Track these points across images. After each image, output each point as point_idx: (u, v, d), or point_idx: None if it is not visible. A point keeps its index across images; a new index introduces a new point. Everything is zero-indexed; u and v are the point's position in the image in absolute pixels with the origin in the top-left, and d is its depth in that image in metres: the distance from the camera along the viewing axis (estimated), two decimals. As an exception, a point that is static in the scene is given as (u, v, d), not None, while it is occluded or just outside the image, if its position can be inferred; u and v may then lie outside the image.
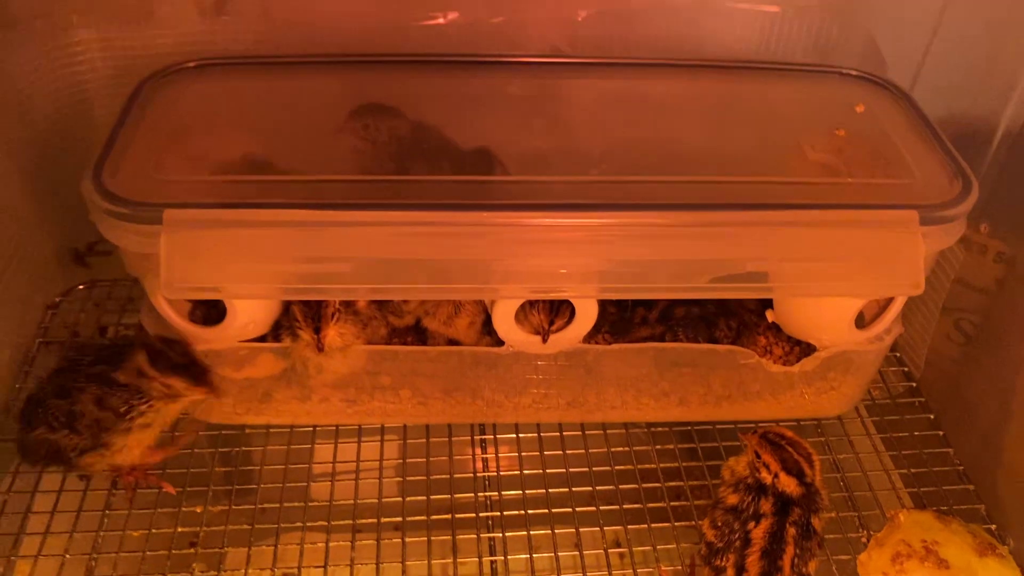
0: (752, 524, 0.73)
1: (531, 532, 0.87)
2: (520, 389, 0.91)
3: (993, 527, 0.89)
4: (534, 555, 0.85)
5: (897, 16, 1.04)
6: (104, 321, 1.08)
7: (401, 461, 0.95)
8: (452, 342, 0.91)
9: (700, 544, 0.78)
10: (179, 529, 0.85)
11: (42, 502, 0.87)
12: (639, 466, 0.92)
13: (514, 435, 0.96)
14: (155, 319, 0.84)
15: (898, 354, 1.06)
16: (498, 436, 0.96)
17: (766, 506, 0.73)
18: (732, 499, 0.75)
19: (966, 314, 1.04)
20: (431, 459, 0.94)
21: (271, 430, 0.95)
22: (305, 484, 0.92)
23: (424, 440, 0.95)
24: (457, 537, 0.87)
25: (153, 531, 0.85)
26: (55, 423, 0.80)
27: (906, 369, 1.05)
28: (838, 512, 0.89)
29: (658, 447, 0.94)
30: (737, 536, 0.74)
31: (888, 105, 0.91)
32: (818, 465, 0.76)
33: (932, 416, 1.00)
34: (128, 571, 0.82)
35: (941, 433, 0.98)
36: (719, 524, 0.75)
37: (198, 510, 0.87)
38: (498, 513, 0.90)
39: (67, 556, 0.82)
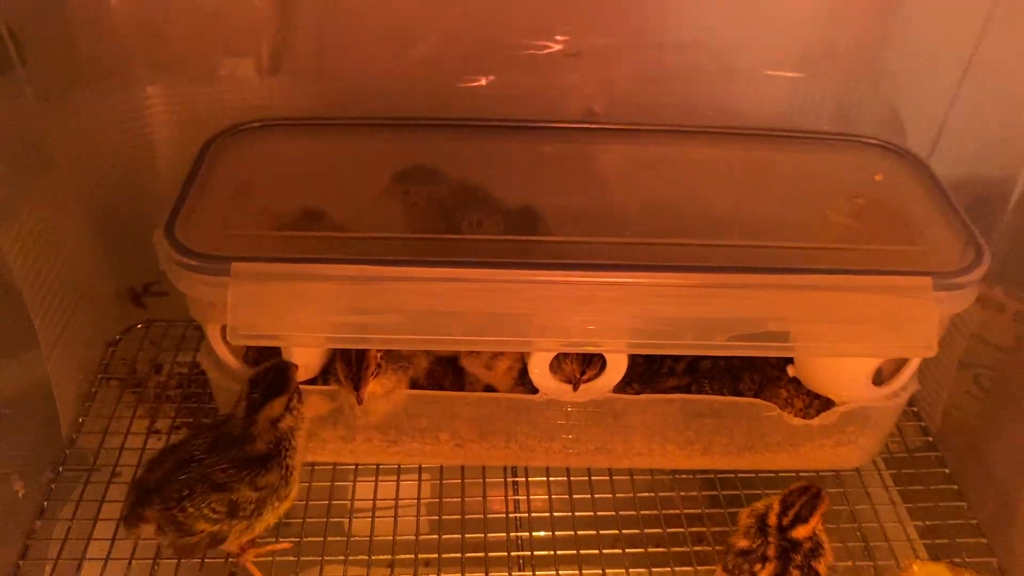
0: (759, 566, 0.78)
1: (559, 572, 0.91)
2: (552, 435, 0.96)
3: (1006, 579, 0.92)
4: None
5: (917, 85, 1.09)
6: (160, 359, 1.14)
7: (437, 500, 0.99)
8: (488, 387, 0.97)
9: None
10: (230, 559, 0.91)
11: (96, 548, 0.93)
12: (663, 511, 0.97)
13: (545, 478, 1.01)
14: (213, 361, 0.90)
15: (915, 409, 1.10)
16: (529, 479, 1.01)
17: (772, 550, 0.78)
18: (743, 543, 0.80)
19: (985, 370, 1.08)
20: (466, 499, 0.98)
21: (316, 467, 1.00)
22: (347, 519, 0.97)
23: (459, 480, 1.00)
24: (490, 574, 0.92)
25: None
26: (214, 515, 0.79)
27: (923, 424, 1.09)
28: (854, 561, 0.92)
29: (682, 493, 0.99)
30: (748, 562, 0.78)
31: (906, 173, 0.96)
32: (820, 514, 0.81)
33: (947, 471, 1.03)
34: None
35: (956, 487, 1.01)
36: (730, 567, 0.80)
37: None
38: (528, 553, 0.94)
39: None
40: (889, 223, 0.90)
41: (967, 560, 0.93)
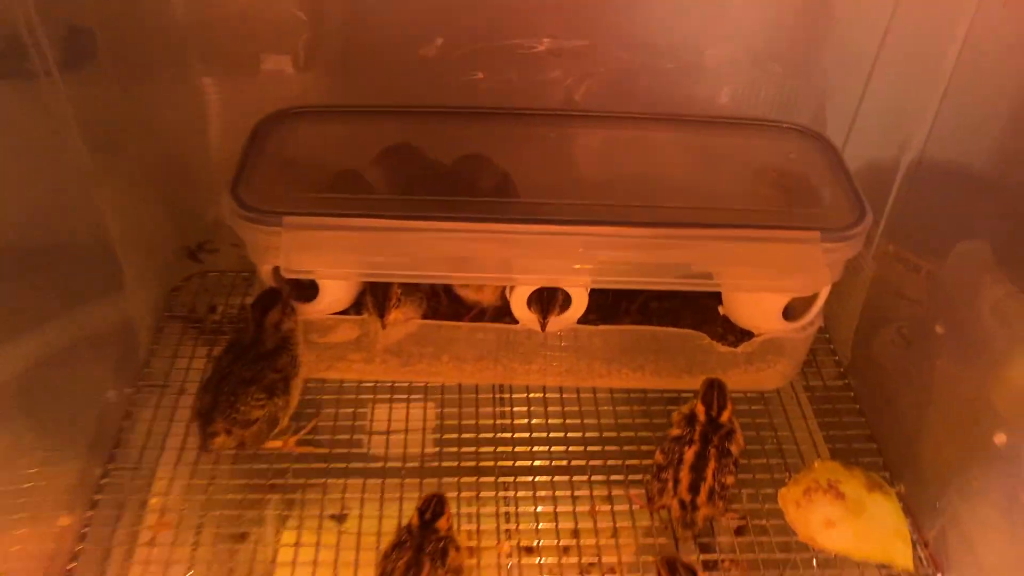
0: (686, 448, 1.03)
1: (536, 478, 1.14)
2: (530, 359, 1.21)
3: (887, 475, 1.16)
4: (537, 491, 1.13)
5: (839, 79, 1.31)
6: (214, 302, 1.39)
7: (439, 423, 1.22)
8: (478, 305, 1.21)
9: (653, 465, 1.07)
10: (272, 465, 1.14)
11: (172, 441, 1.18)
12: (619, 421, 1.21)
13: (525, 395, 1.25)
14: (264, 296, 1.15)
15: (832, 346, 1.34)
16: (514, 396, 1.25)
17: (696, 435, 1.03)
18: (675, 432, 1.05)
19: (905, 323, 1.31)
20: (462, 421, 1.22)
21: (341, 397, 1.24)
22: (366, 439, 1.20)
23: (457, 407, 1.23)
24: (480, 480, 1.15)
25: (254, 466, 1.13)
26: (259, 401, 1.04)
27: (837, 358, 1.33)
28: (769, 460, 1.17)
29: (635, 408, 1.23)
30: (676, 456, 1.03)
31: (815, 151, 1.20)
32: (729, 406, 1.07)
33: (852, 394, 1.28)
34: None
35: (858, 407, 1.26)
36: (666, 450, 1.05)
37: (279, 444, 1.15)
38: (511, 463, 1.17)
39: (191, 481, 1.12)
40: (796, 191, 1.14)
41: (859, 460, 1.17)
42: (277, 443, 1.13)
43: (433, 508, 0.96)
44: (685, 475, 1.02)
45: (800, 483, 1.11)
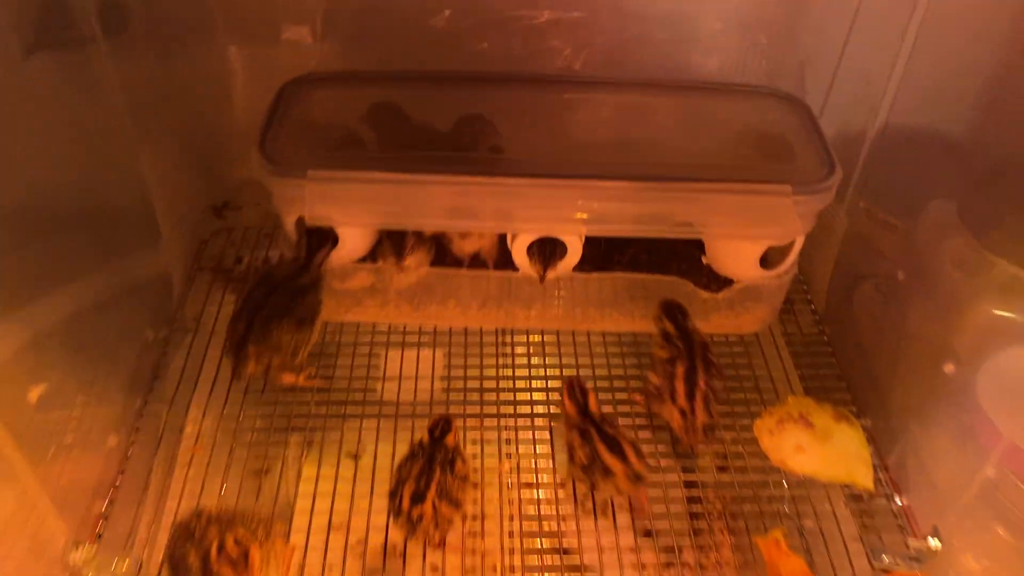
0: (678, 364, 1.15)
1: (535, 421, 1.25)
2: (529, 304, 1.32)
3: (855, 410, 1.27)
4: (536, 432, 1.24)
5: (818, 49, 1.41)
6: (239, 255, 1.51)
7: (447, 370, 1.33)
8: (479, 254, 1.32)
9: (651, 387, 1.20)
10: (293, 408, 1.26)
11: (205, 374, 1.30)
12: (611, 360, 1.33)
13: (525, 339, 1.37)
14: (287, 244, 1.26)
15: (809, 296, 1.45)
16: (515, 340, 1.37)
17: (682, 350, 1.16)
18: (662, 354, 1.18)
19: (882, 279, 1.41)
20: (467, 368, 1.33)
21: (357, 345, 1.35)
22: (380, 384, 1.30)
23: (463, 351, 1.34)
24: (484, 423, 1.25)
25: (276, 409, 1.25)
26: (289, 330, 1.15)
27: (813, 307, 1.44)
28: (747, 395, 1.28)
29: (625, 349, 1.34)
30: (669, 373, 1.16)
31: (791, 115, 1.30)
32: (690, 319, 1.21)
33: (826, 340, 1.39)
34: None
35: (831, 349, 1.37)
36: (658, 370, 1.17)
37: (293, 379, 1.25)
38: (512, 408, 1.27)
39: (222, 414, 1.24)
40: (773, 150, 1.24)
41: (830, 396, 1.28)
42: (291, 378, 1.24)
43: (442, 427, 1.08)
44: (680, 387, 1.14)
45: (774, 415, 1.22)
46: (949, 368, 1.09)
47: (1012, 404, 1.03)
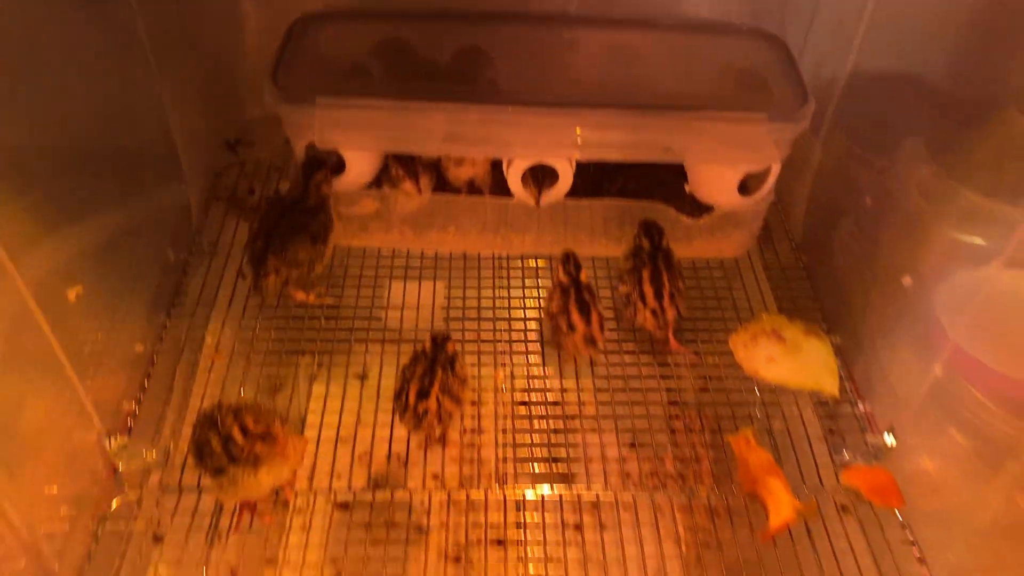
0: (643, 270, 1.26)
1: (528, 349, 1.34)
2: (524, 230, 1.42)
3: (825, 327, 1.36)
4: (530, 355, 1.33)
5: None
6: (252, 186, 1.60)
7: (447, 300, 1.41)
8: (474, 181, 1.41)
9: (622, 296, 1.31)
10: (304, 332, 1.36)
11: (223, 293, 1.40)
12: (599, 284, 1.42)
13: (520, 269, 1.46)
14: (298, 171, 1.35)
15: (786, 226, 1.54)
16: (510, 271, 1.46)
17: (645, 258, 1.26)
18: (628, 265, 1.29)
19: (856, 212, 1.48)
20: (466, 298, 1.41)
21: (362, 275, 1.44)
22: (384, 313, 1.39)
23: (462, 283, 1.42)
24: (481, 348, 1.34)
25: (287, 333, 1.34)
26: (305, 245, 1.25)
27: (790, 236, 1.53)
28: (724, 314, 1.38)
29: (613, 273, 1.43)
30: (636, 279, 1.27)
31: (770, 52, 1.38)
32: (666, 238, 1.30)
33: (802, 265, 1.48)
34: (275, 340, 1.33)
35: (806, 273, 1.46)
36: (626, 280, 1.28)
37: (311, 299, 1.36)
38: (507, 337, 1.36)
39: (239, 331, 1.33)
40: (752, 82, 1.33)
41: (803, 316, 1.37)
42: (304, 295, 1.34)
43: (442, 335, 1.18)
44: (648, 289, 1.24)
45: (748, 330, 1.32)
46: (907, 281, 1.18)
47: (965, 316, 1.13)
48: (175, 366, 1.29)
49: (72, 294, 1.04)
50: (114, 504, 1.10)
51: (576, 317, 1.22)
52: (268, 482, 0.98)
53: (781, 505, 1.08)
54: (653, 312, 1.24)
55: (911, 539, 1.12)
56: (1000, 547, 1.03)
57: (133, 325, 1.25)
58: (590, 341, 1.22)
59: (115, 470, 1.12)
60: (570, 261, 1.27)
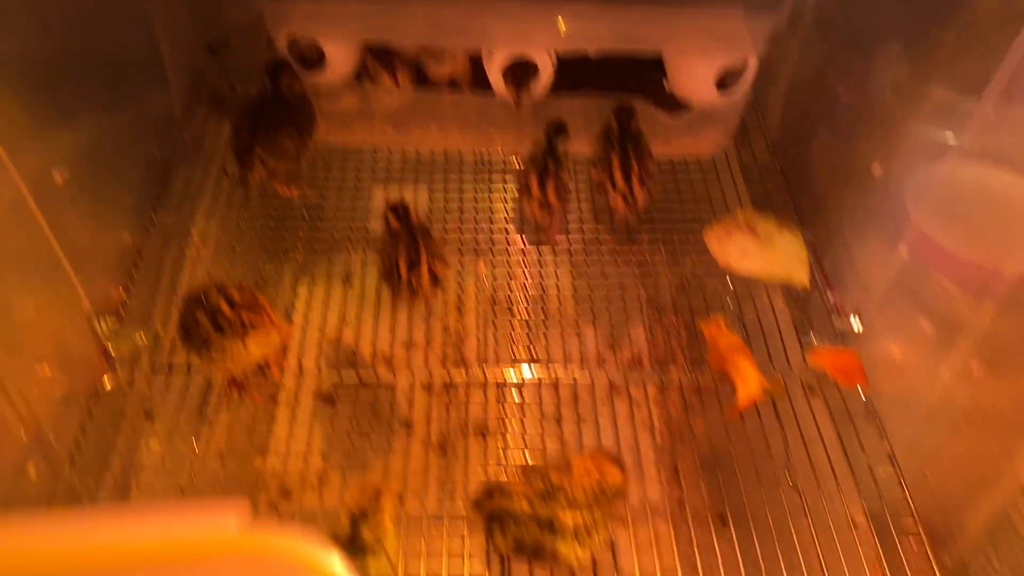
0: (612, 155, 1.29)
1: (509, 248, 1.37)
2: (504, 127, 1.44)
3: (797, 221, 1.40)
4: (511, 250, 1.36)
5: None
6: (232, 85, 1.60)
7: (429, 205, 1.43)
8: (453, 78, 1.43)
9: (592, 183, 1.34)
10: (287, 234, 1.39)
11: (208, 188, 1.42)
12: (579, 185, 1.45)
13: (502, 174, 1.48)
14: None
15: (764, 131, 1.57)
16: (491, 175, 1.48)
17: (614, 144, 1.30)
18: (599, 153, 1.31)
19: (835, 115, 1.50)
20: (447, 203, 1.44)
21: (344, 184, 1.45)
22: (367, 221, 1.41)
23: (443, 188, 1.45)
24: (464, 259, 1.36)
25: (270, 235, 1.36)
26: (289, 137, 1.27)
27: (767, 136, 1.56)
28: (699, 208, 1.41)
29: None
30: (607, 165, 1.30)
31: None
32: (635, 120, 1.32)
33: (777, 164, 1.51)
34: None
35: (782, 175, 1.49)
36: (598, 167, 1.32)
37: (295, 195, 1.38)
38: (489, 244, 1.38)
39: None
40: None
41: (777, 212, 1.41)
42: (287, 190, 1.35)
43: (402, 208, 1.20)
44: (618, 174, 1.27)
45: (723, 225, 1.36)
46: (876, 169, 1.21)
47: (929, 205, 1.16)
48: (162, 257, 1.31)
49: (59, 178, 1.06)
50: (106, 383, 1.14)
51: (535, 187, 1.26)
52: (257, 352, 1.01)
53: (749, 382, 1.13)
54: (624, 197, 1.27)
55: (874, 416, 1.17)
56: (953, 421, 1.08)
57: (121, 217, 1.27)
58: (545, 206, 1.25)
59: (106, 352, 1.15)
60: (551, 127, 1.30)
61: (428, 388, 1.21)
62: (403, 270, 1.14)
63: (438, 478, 1.09)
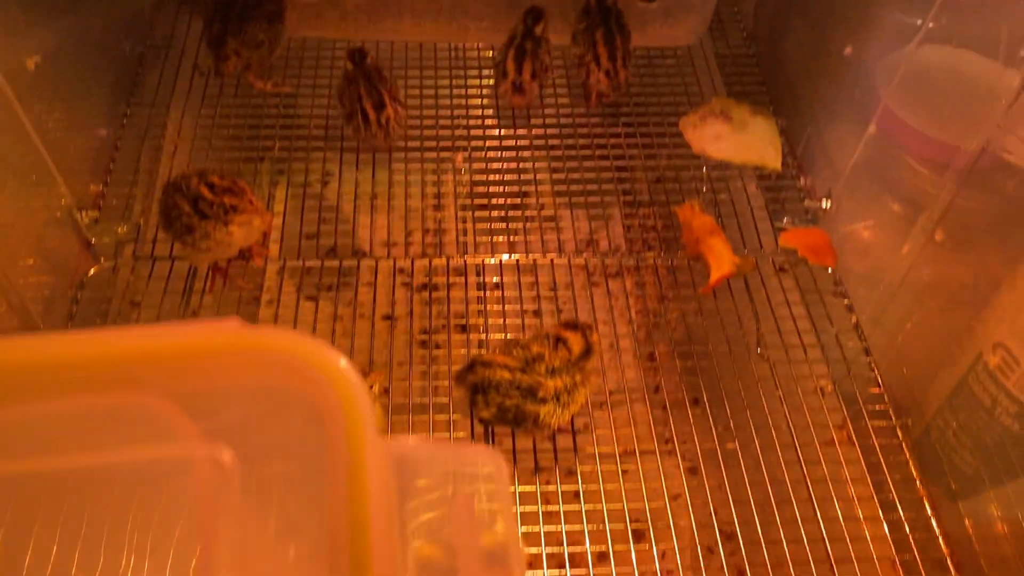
0: (595, 31, 1.29)
1: (486, 131, 1.38)
2: (480, 17, 1.43)
3: (772, 109, 1.42)
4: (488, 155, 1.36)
5: None
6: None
7: (404, 98, 1.39)
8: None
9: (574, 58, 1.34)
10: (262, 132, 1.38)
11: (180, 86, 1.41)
12: (555, 74, 1.45)
13: (476, 56, 1.48)
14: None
15: (740, 18, 1.57)
16: (467, 55, 1.48)
17: (597, 20, 1.30)
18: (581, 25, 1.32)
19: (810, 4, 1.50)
20: (423, 92, 1.43)
21: (318, 75, 1.42)
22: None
23: (418, 83, 1.43)
24: (441, 154, 1.36)
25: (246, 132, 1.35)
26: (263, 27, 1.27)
27: (743, 27, 1.56)
28: (675, 98, 1.42)
29: (569, 62, 1.46)
30: (590, 41, 1.30)
31: None
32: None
33: (753, 54, 1.52)
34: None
35: (756, 62, 1.50)
36: (580, 41, 1.32)
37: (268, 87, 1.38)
38: (465, 126, 1.39)
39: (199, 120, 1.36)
40: None
41: (752, 100, 1.42)
42: (262, 83, 1.35)
43: (359, 53, 1.23)
44: (602, 51, 1.28)
45: (698, 112, 1.37)
46: (848, 50, 1.22)
47: (898, 86, 1.18)
48: (139, 151, 1.31)
49: (31, 65, 1.05)
50: (91, 272, 1.15)
51: (511, 66, 1.27)
52: (240, 235, 1.03)
53: (722, 261, 1.16)
54: (607, 73, 1.28)
55: (842, 292, 1.21)
56: (917, 295, 1.12)
57: (94, 110, 1.26)
58: (517, 88, 1.26)
59: (89, 244, 1.16)
60: (528, 13, 1.31)
61: (408, 283, 1.22)
62: (371, 113, 1.15)
63: (421, 371, 1.11)
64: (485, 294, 1.20)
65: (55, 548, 0.39)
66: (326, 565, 0.33)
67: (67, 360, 0.36)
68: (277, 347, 0.36)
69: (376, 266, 1.22)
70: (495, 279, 1.21)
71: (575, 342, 0.97)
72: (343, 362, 0.37)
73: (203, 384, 0.37)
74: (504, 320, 1.16)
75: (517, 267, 1.22)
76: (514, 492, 0.98)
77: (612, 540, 0.94)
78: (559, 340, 0.97)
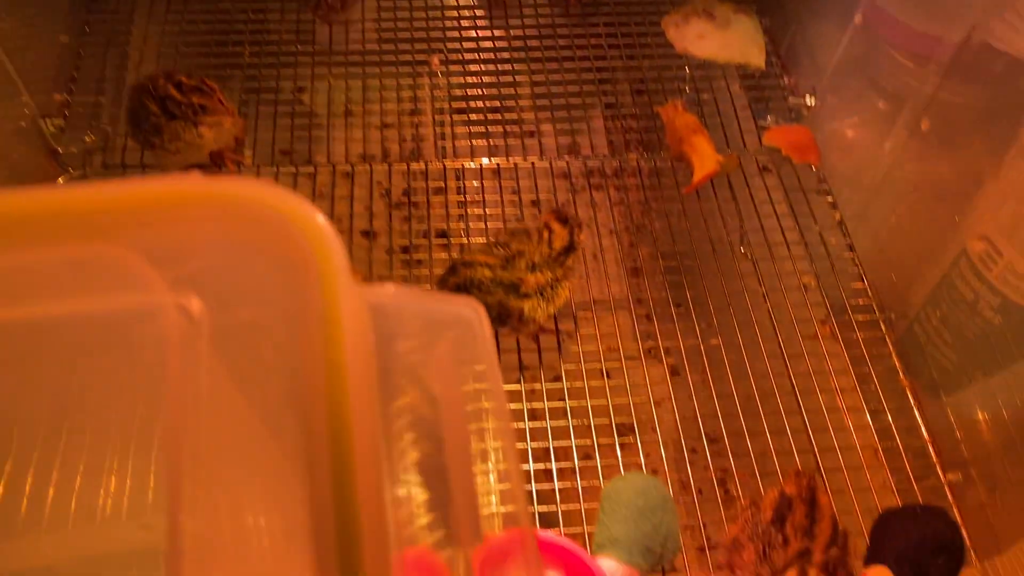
0: None
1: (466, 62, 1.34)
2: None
3: (755, 8, 1.38)
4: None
5: None
6: None
7: (377, 13, 1.37)
8: None
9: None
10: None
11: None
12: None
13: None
14: None
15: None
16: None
17: None
18: None
19: None
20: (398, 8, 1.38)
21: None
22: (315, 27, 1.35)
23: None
24: (417, 68, 1.32)
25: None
26: None
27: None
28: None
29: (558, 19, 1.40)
30: None
31: None
32: None
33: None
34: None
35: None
36: None
37: None
38: (443, 54, 1.33)
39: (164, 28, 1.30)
40: None
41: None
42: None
43: None
44: None
45: (680, 11, 1.34)
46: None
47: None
48: (104, 59, 1.26)
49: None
50: (59, 183, 1.12)
51: None
52: (210, 138, 1.00)
53: (705, 159, 1.14)
54: None
55: (826, 190, 1.20)
56: (900, 191, 1.12)
57: (55, 17, 1.21)
58: None
59: (56, 153, 1.13)
60: None
61: (387, 195, 1.20)
62: None
63: (403, 276, 1.09)
64: (465, 198, 1.18)
65: (23, 397, 0.38)
66: (301, 407, 0.32)
67: (28, 213, 0.34)
68: (247, 197, 0.34)
69: (353, 181, 1.19)
70: (475, 183, 1.19)
71: (559, 236, 0.95)
72: (317, 215, 0.35)
73: (169, 235, 0.35)
74: (486, 224, 1.14)
75: (498, 171, 1.20)
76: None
77: (596, 434, 0.94)
78: (546, 227, 0.95)
